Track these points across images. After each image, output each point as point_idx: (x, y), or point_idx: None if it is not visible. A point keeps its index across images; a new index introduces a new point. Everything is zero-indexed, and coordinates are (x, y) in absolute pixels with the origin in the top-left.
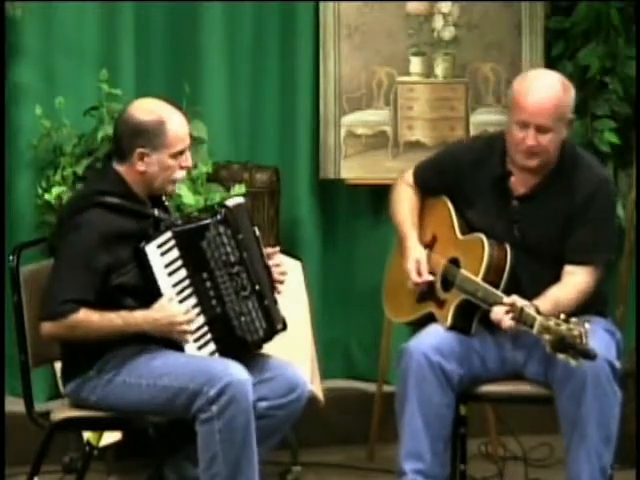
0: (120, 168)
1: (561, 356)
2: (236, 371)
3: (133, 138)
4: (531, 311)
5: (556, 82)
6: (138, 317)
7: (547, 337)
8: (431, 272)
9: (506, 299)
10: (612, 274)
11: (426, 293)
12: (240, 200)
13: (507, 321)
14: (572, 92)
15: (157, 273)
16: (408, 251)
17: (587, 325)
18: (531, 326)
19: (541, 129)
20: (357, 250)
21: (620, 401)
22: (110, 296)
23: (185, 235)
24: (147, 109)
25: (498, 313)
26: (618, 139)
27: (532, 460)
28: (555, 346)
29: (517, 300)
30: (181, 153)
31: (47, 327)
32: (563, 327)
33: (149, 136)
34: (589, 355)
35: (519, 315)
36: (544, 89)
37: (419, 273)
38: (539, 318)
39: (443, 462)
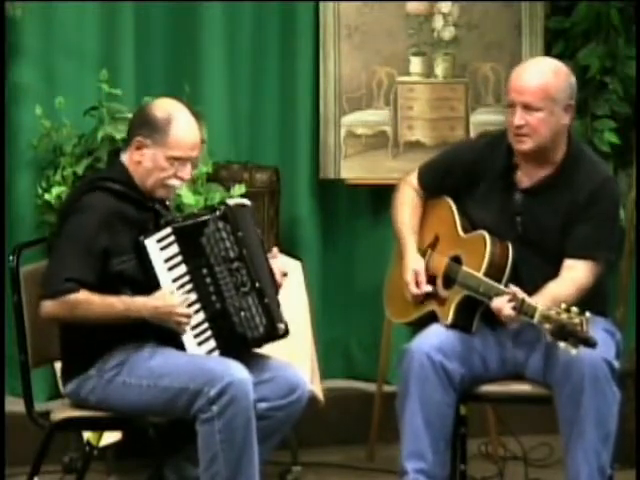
0: (124, 157)
1: (562, 345)
2: (237, 371)
3: (138, 126)
4: (532, 302)
5: (548, 65)
6: (138, 303)
7: (547, 326)
8: (432, 276)
9: (508, 289)
10: (612, 274)
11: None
12: (245, 202)
13: (507, 309)
14: (569, 78)
15: (157, 267)
16: (406, 260)
17: (587, 314)
18: (532, 316)
19: (528, 107)
20: (357, 250)
21: (618, 401)
22: (110, 282)
23: (185, 231)
24: (163, 107)
25: (499, 302)
26: (618, 139)
27: (532, 460)
28: (556, 334)
29: (518, 291)
30: (179, 160)
31: (47, 306)
32: (564, 316)
33: (152, 129)
34: (589, 342)
35: (520, 306)
36: (532, 70)
37: (417, 284)
38: (540, 308)
39: (444, 461)
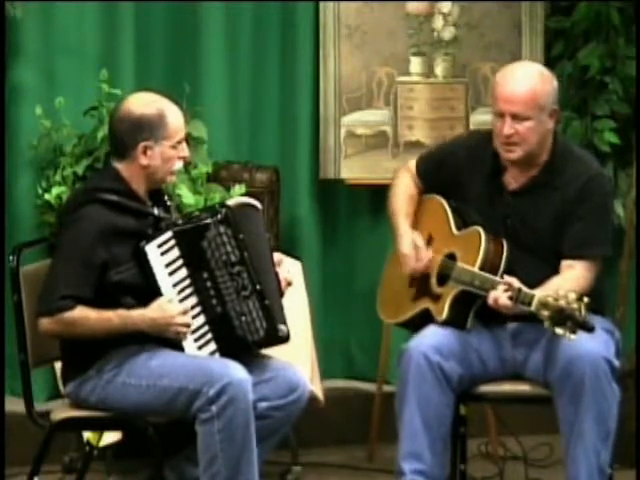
0: (119, 166)
1: (560, 331)
2: (235, 371)
3: (135, 133)
4: (528, 291)
5: (533, 72)
6: (135, 316)
7: (545, 313)
8: (426, 274)
9: (503, 280)
10: (612, 274)
11: (422, 290)
12: (250, 201)
13: (504, 299)
14: (553, 83)
15: (157, 273)
16: (401, 238)
17: (585, 299)
18: (529, 304)
19: (517, 117)
20: (357, 250)
21: (618, 400)
22: (109, 293)
23: (185, 235)
24: (145, 102)
25: (495, 293)
26: (618, 139)
27: (532, 460)
28: (554, 319)
29: (514, 281)
30: (179, 143)
31: (45, 323)
32: (562, 301)
33: (151, 128)
34: (587, 326)
35: (517, 294)
36: (519, 78)
37: (418, 259)
38: (537, 295)
39: (442, 462)
